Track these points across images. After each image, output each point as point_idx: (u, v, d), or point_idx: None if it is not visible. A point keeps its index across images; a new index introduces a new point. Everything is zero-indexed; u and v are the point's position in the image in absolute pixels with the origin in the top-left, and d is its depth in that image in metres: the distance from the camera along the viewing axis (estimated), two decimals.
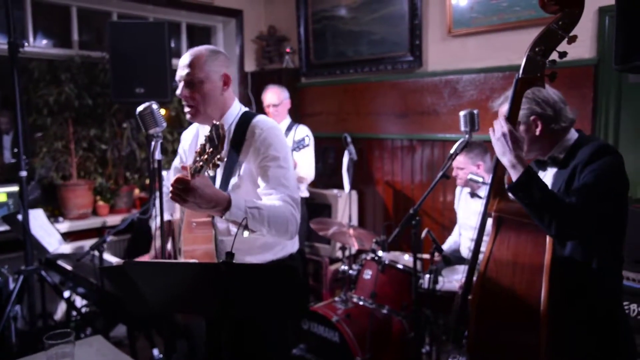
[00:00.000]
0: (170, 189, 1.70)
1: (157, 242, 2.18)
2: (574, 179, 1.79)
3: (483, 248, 1.96)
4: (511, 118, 1.83)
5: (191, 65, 2.00)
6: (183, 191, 1.67)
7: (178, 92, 2.04)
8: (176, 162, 2.44)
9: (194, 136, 2.33)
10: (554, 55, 1.78)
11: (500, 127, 1.81)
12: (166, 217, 2.25)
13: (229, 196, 1.77)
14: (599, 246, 1.78)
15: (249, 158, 2.02)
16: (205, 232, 1.95)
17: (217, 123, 1.56)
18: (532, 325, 1.72)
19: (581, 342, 1.80)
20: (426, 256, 3.18)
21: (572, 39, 1.74)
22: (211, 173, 1.60)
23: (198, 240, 1.95)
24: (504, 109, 1.89)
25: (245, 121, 2.08)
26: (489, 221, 1.96)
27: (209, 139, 1.58)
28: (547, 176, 1.98)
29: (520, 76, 1.80)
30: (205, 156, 1.59)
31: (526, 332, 1.74)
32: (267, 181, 1.98)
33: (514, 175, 1.74)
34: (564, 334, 1.79)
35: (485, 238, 1.96)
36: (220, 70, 2.05)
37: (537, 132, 1.90)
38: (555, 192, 1.80)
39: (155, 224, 2.28)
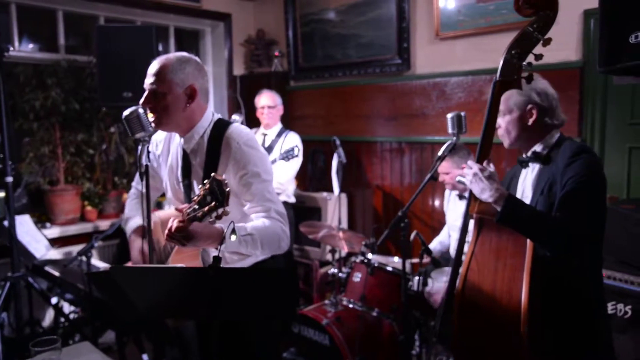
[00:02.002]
0: (167, 232, 1.70)
1: (136, 246, 2.16)
2: (556, 180, 1.84)
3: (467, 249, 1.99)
4: (490, 120, 1.87)
5: (156, 75, 1.96)
6: (184, 238, 1.68)
7: (141, 100, 1.96)
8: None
9: (165, 142, 2.25)
10: (531, 58, 1.82)
11: (469, 169, 1.88)
12: (140, 221, 2.23)
13: (222, 229, 1.76)
14: (582, 247, 1.80)
15: (227, 172, 1.98)
16: (192, 249, 1.94)
17: (219, 178, 1.54)
18: (513, 322, 1.74)
19: (561, 339, 1.83)
20: (415, 260, 3.19)
21: (547, 42, 1.78)
22: (210, 221, 1.61)
23: (185, 260, 1.94)
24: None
25: (219, 132, 2.03)
26: (472, 223, 1.99)
27: (210, 191, 1.56)
28: (530, 175, 2.02)
29: (497, 79, 1.85)
30: (207, 208, 1.57)
31: (507, 329, 1.76)
32: (252, 198, 1.97)
33: (498, 207, 1.79)
34: (545, 330, 1.81)
35: (470, 239, 1.99)
36: (185, 82, 1.98)
37: (530, 121, 1.96)
38: (541, 209, 1.86)
39: (129, 227, 2.26)
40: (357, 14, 4.58)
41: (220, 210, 1.55)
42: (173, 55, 2.01)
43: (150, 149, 2.27)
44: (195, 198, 1.62)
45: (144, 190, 1.86)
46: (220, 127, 2.05)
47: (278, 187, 4.01)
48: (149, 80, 1.97)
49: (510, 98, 1.95)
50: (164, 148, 2.25)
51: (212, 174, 1.58)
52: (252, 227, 1.87)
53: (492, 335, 1.82)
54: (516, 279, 1.77)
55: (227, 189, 1.53)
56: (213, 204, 1.55)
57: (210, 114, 2.10)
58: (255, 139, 2.07)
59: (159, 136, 2.28)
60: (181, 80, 1.97)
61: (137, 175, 2.42)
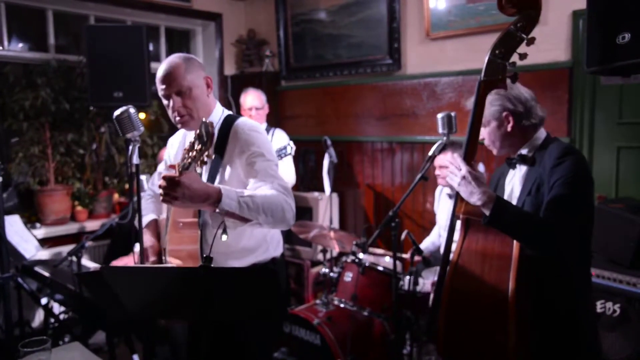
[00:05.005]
0: (160, 190, 1.67)
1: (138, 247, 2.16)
2: (543, 181, 1.85)
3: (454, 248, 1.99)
4: (475, 120, 1.88)
5: (174, 77, 1.99)
6: (171, 188, 1.62)
7: (170, 105, 2.01)
8: (161, 168, 2.44)
9: (180, 142, 2.32)
10: (516, 58, 1.81)
11: (457, 170, 1.86)
12: (153, 216, 2.27)
13: (219, 188, 1.72)
14: (571, 247, 1.82)
15: (233, 160, 2.01)
16: (191, 233, 1.94)
17: (207, 121, 1.57)
18: (499, 322, 1.75)
19: (547, 337, 1.84)
20: (406, 255, 3.19)
21: (531, 41, 1.76)
22: (199, 170, 1.61)
23: (184, 241, 1.94)
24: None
25: (228, 124, 2.08)
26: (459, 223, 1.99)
27: (198, 136, 1.59)
28: (517, 175, 2.03)
29: (482, 79, 1.84)
30: (194, 153, 1.59)
31: (494, 329, 1.77)
32: (255, 175, 1.96)
33: (487, 210, 1.79)
34: (532, 328, 1.82)
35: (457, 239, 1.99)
36: (201, 74, 2.07)
37: (509, 128, 1.97)
38: (529, 210, 1.87)
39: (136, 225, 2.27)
40: (347, 14, 4.59)
41: (205, 155, 1.57)
42: (175, 56, 2.05)
43: (166, 150, 2.38)
44: (187, 147, 1.64)
45: (135, 188, 1.86)
46: (230, 121, 2.11)
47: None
48: (167, 86, 2.00)
49: (486, 110, 1.93)
50: (179, 148, 2.30)
51: (203, 118, 1.61)
52: (252, 191, 1.84)
53: (479, 336, 1.83)
54: (503, 278, 1.78)
55: (213, 131, 1.56)
56: (199, 147, 1.57)
57: (220, 109, 2.16)
58: (261, 129, 2.11)
59: (175, 138, 2.36)
60: (197, 72, 2.04)
61: (153, 177, 2.48)
